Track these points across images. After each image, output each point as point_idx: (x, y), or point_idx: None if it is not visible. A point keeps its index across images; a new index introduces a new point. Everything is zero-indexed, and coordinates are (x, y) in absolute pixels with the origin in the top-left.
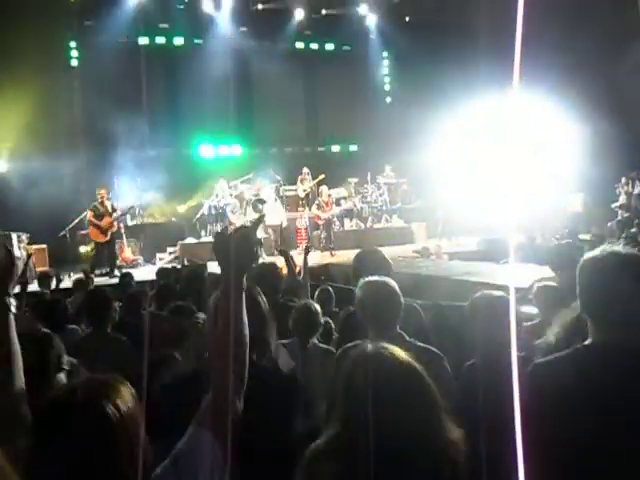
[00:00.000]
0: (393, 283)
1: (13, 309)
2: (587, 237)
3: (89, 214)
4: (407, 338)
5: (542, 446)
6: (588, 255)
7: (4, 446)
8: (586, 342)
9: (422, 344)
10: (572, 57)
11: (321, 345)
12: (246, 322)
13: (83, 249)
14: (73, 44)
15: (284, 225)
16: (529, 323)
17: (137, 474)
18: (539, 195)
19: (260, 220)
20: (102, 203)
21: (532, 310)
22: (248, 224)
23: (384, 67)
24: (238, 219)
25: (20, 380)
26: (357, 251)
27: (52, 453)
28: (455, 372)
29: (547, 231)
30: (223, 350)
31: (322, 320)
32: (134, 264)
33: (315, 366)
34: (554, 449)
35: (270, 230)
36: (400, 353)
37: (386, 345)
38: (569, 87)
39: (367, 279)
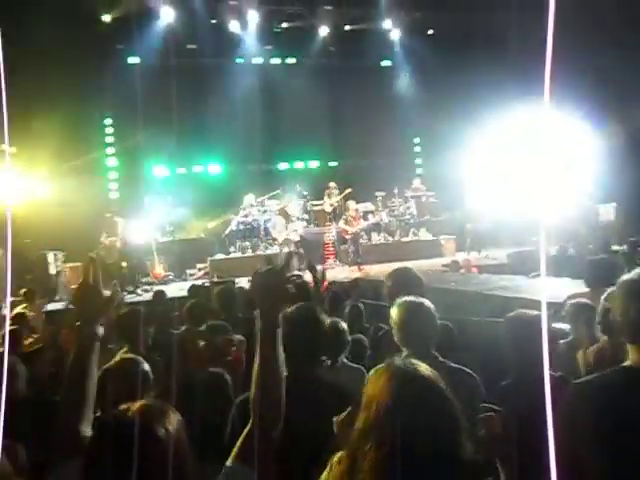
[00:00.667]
0: (429, 304)
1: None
2: (620, 248)
3: (103, 236)
4: (441, 359)
5: (576, 466)
6: (625, 277)
7: (60, 465)
8: (624, 364)
9: (456, 365)
10: (599, 69)
11: (350, 364)
12: (282, 359)
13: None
14: (104, 67)
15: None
16: (562, 341)
17: None
18: (570, 206)
19: (290, 257)
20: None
21: (565, 327)
22: (281, 257)
23: (409, 80)
24: (280, 234)
25: (89, 411)
26: (387, 266)
27: (107, 472)
28: (484, 389)
29: (579, 242)
30: (259, 386)
31: (349, 338)
32: (165, 280)
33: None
34: (588, 468)
35: (293, 246)
36: (424, 370)
37: (413, 361)
38: (597, 99)
39: (403, 299)
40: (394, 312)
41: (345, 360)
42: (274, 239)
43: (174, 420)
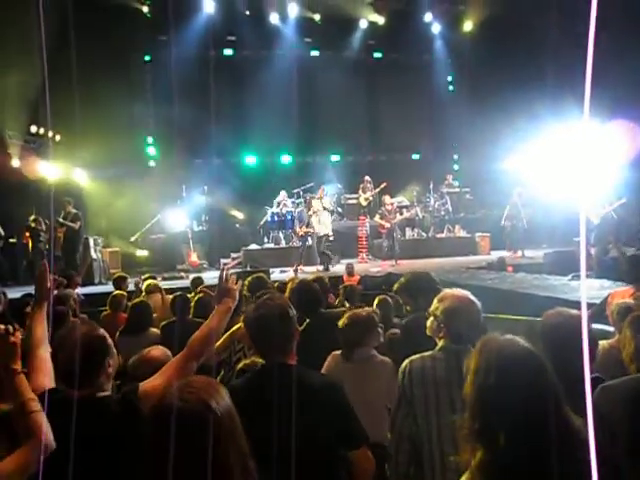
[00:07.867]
0: (474, 299)
1: None
2: None
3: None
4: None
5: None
6: None
7: None
8: None
9: None
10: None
11: (379, 356)
12: None
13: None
14: (147, 58)
15: (330, 236)
16: (605, 342)
17: (243, 466)
18: (612, 206)
19: None
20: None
21: (608, 328)
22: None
23: (448, 76)
24: (301, 229)
25: None
26: (420, 262)
27: (163, 449)
28: None
29: (621, 244)
30: None
31: (380, 330)
32: (199, 268)
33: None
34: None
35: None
36: (525, 343)
37: (512, 336)
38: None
39: (451, 291)
40: (438, 303)
41: (375, 352)
42: (296, 232)
43: (225, 394)
